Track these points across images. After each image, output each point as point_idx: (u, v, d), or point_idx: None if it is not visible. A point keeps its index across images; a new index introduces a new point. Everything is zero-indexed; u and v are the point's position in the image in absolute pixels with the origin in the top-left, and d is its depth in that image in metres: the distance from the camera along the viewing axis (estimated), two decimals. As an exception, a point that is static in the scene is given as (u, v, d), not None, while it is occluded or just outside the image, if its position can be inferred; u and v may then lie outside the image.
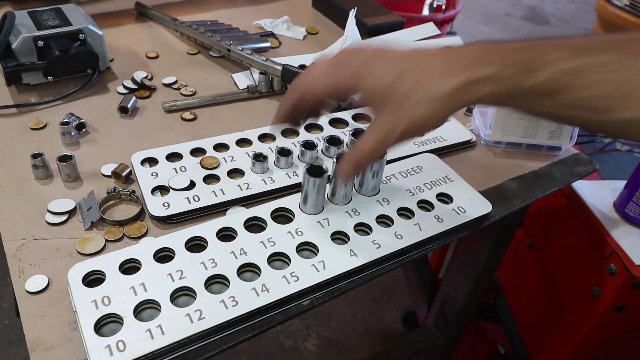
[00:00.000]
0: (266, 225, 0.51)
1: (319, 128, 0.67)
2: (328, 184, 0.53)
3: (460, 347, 1.09)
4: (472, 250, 0.76)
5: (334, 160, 0.52)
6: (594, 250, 0.73)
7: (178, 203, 0.53)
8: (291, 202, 0.54)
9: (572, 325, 0.78)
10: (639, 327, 0.74)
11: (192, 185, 0.56)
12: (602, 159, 0.88)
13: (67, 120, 0.64)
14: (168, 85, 0.76)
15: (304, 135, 0.66)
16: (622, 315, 0.71)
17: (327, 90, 0.44)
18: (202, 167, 0.58)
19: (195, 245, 0.49)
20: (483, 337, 1.13)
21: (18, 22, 0.69)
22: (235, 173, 0.58)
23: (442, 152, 0.66)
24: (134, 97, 0.70)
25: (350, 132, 0.63)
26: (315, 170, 0.50)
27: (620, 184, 0.76)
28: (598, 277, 0.71)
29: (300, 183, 0.58)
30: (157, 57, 0.83)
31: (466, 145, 0.68)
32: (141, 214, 0.54)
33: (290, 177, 0.58)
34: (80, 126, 0.65)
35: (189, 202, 0.53)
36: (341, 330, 1.42)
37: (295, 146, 0.63)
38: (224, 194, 0.55)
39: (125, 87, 0.74)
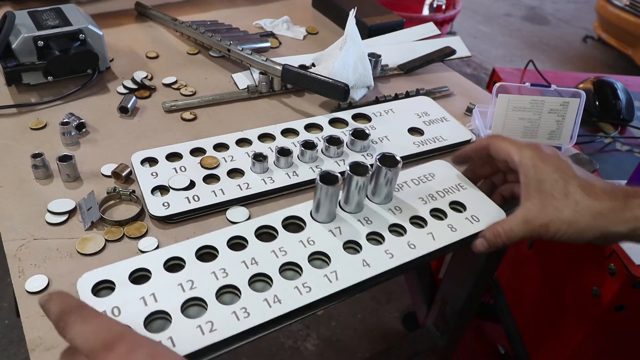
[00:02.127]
0: (277, 234, 0.50)
1: (319, 128, 0.67)
2: (341, 192, 0.52)
3: (460, 347, 1.09)
4: (472, 251, 0.76)
5: (348, 168, 0.50)
6: (594, 250, 0.73)
7: (178, 203, 0.53)
8: (302, 210, 0.52)
9: (572, 325, 0.78)
10: (639, 327, 0.74)
11: (192, 185, 0.56)
12: (602, 159, 0.88)
13: (67, 120, 0.64)
14: (168, 85, 0.76)
15: (303, 135, 0.66)
16: (622, 315, 0.71)
17: None
18: (202, 167, 0.58)
19: (206, 254, 0.48)
20: (483, 337, 1.13)
21: (18, 22, 0.70)
22: (235, 173, 0.58)
23: (442, 152, 0.66)
24: (134, 97, 0.70)
25: (350, 132, 0.63)
26: (328, 178, 0.49)
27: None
28: (598, 277, 0.72)
29: (300, 183, 0.58)
30: (157, 57, 0.83)
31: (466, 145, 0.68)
32: (141, 214, 0.54)
33: (290, 177, 0.58)
34: (80, 126, 0.65)
35: (189, 202, 0.53)
36: (341, 330, 1.42)
37: (295, 146, 0.63)
38: (224, 193, 0.55)
39: (125, 87, 0.74)
